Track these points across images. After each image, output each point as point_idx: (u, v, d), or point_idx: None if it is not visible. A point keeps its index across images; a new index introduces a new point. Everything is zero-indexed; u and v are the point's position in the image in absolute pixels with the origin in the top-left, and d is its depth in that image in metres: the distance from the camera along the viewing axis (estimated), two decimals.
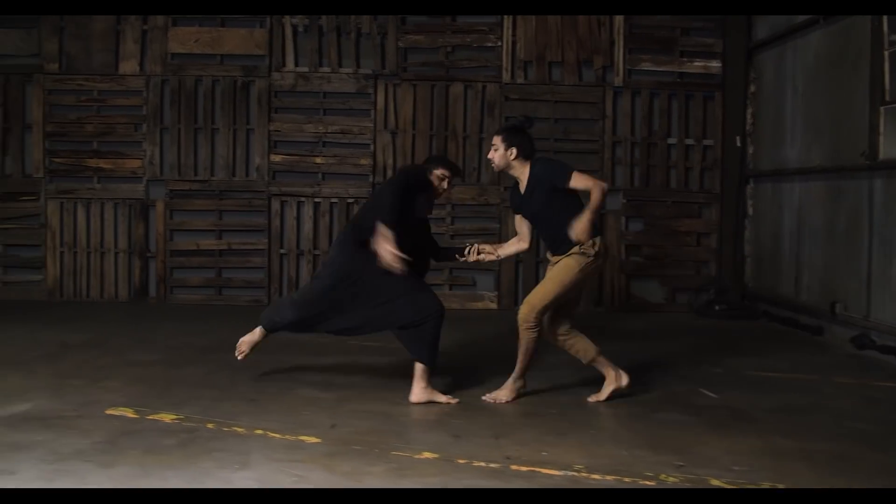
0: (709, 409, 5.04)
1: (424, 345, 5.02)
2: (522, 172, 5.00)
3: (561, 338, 5.08)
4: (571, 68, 9.13)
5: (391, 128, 9.11)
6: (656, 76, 9.22)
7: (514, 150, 4.94)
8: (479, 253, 5.25)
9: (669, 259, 9.24)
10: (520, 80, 9.12)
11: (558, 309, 5.00)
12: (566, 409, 4.93)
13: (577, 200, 4.90)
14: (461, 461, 3.87)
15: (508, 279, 9.06)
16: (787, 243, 8.36)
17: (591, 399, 5.12)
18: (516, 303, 8.34)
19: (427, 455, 3.94)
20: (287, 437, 4.20)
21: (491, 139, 5.21)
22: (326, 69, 9.10)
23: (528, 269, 9.01)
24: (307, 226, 9.08)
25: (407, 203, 4.97)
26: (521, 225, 5.18)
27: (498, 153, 4.97)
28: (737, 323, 8.48)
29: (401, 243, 4.75)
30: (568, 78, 9.14)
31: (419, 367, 5.02)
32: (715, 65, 9.19)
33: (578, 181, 4.83)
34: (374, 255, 4.80)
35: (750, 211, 9.21)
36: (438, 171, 5.20)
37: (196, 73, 9.07)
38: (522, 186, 5.04)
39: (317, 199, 9.06)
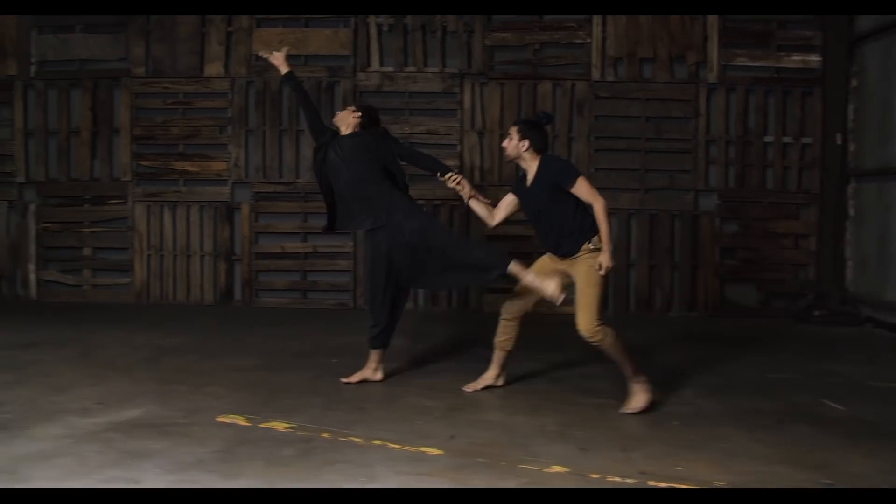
0: (839, 422, 4.74)
1: (482, 262, 5.19)
2: (531, 166, 5.07)
3: (506, 318, 5.24)
4: (663, 65, 8.85)
5: (478, 128, 8.93)
6: (752, 71, 8.87)
7: (527, 143, 5.00)
8: (458, 183, 5.28)
9: (766, 262, 8.89)
10: (610, 78, 8.85)
11: (527, 295, 5.15)
12: (689, 420, 4.68)
13: (580, 204, 4.92)
14: (594, 476, 3.66)
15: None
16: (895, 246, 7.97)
17: (468, 388, 5.28)
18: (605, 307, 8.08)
19: (557, 469, 3.74)
20: (407, 448, 4.03)
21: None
22: (412, 69, 8.96)
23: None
24: None
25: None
26: (506, 207, 5.23)
27: (511, 143, 5.04)
28: (838, 329, 8.10)
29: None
30: (660, 75, 8.85)
31: (511, 271, 5.02)
32: (814, 59, 8.82)
33: (582, 188, 4.88)
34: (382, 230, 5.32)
35: (851, 212, 8.81)
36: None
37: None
38: (529, 179, 5.07)
39: None
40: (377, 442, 4.13)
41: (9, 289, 9.28)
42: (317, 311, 8.76)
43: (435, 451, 3.98)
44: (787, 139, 8.87)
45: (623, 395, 4.90)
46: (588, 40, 8.87)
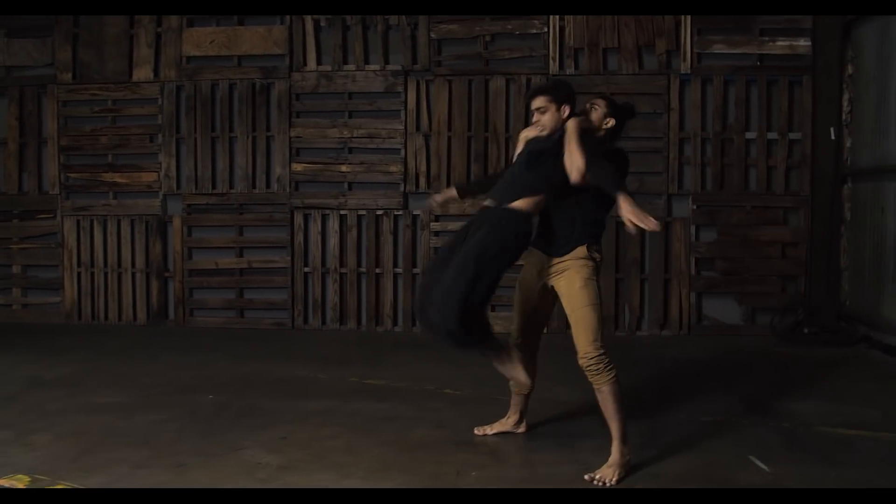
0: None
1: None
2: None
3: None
4: (630, 54, 7.91)
5: (424, 130, 8.11)
6: (731, 60, 7.87)
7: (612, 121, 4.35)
8: None
9: (749, 273, 7.90)
10: (569, 71, 7.94)
11: (534, 326, 4.47)
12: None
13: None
14: None
15: None
16: (894, 254, 6.94)
17: (478, 431, 4.63)
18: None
19: None
20: None
21: None
22: (351, 67, 8.18)
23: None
24: (332, 241, 8.20)
25: None
26: None
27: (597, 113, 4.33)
28: (829, 351, 7.11)
29: None
30: (626, 66, 7.92)
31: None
32: (803, 44, 7.80)
33: None
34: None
35: (847, 216, 7.79)
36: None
37: (212, 76, 8.30)
38: None
39: (342, 212, 8.17)
40: None
41: None
42: (253, 332, 8.07)
43: None
44: (772, 135, 7.86)
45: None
46: (544, 30, 7.98)
